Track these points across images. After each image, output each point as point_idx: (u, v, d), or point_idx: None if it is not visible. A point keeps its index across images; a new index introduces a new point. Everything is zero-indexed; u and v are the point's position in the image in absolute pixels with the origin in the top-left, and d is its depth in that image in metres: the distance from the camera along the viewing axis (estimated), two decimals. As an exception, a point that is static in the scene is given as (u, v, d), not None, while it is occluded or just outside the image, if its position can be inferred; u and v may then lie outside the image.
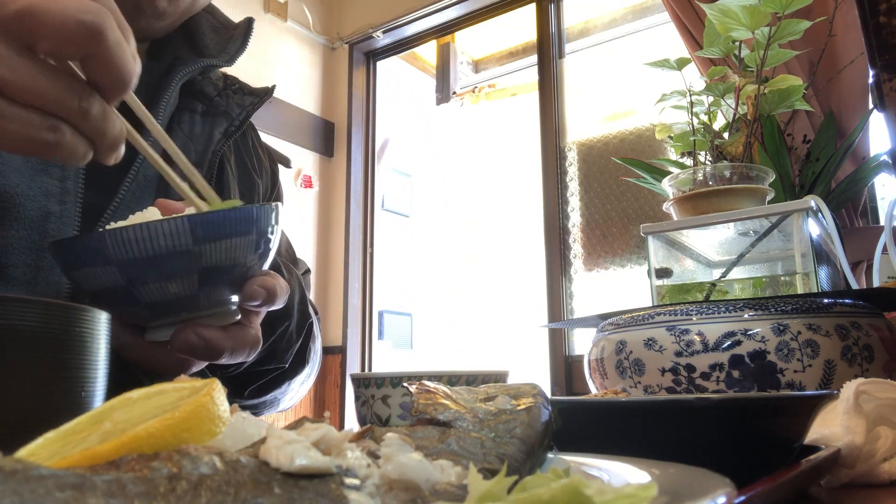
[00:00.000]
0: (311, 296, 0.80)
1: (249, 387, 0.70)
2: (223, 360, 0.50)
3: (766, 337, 0.66)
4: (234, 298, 0.50)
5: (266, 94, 0.80)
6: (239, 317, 0.52)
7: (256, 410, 0.76)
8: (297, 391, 0.79)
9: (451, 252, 6.87)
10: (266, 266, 0.52)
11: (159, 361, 0.50)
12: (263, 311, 0.54)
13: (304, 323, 0.72)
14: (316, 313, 0.79)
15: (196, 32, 0.79)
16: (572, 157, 2.73)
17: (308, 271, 0.88)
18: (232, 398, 0.71)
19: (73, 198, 0.61)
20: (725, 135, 1.08)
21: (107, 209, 0.62)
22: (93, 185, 0.63)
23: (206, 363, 0.53)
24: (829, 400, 0.41)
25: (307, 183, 3.24)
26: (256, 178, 0.82)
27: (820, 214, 0.86)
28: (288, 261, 0.85)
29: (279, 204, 0.50)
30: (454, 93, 4.25)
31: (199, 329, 0.48)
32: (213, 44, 0.78)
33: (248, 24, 0.81)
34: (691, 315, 0.70)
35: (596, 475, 0.29)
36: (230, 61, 0.78)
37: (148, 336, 0.49)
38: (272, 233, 0.49)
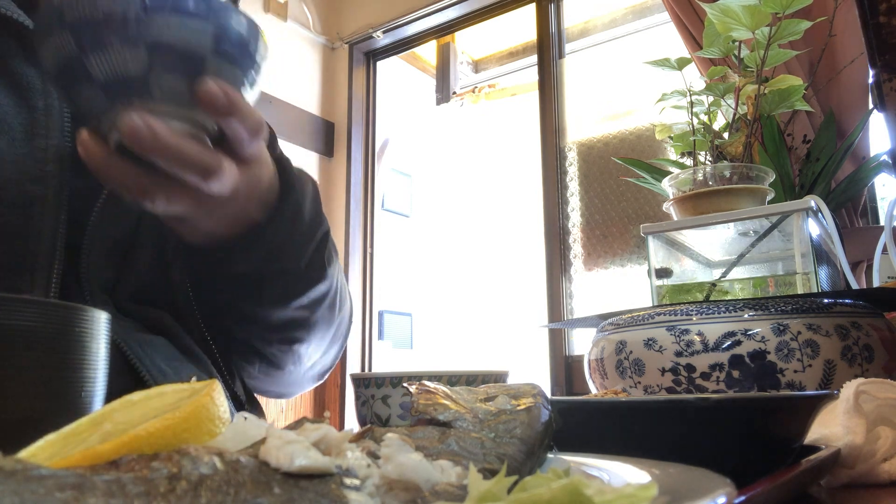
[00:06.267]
0: None
1: (267, 290, 0.66)
2: (170, 168, 0.47)
3: (766, 337, 0.66)
4: (207, 122, 0.49)
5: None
6: (206, 139, 0.50)
7: (284, 340, 0.70)
8: (324, 332, 0.73)
9: (451, 252, 6.87)
10: (247, 95, 0.49)
11: (119, 172, 0.48)
12: (238, 141, 0.50)
13: (317, 221, 0.66)
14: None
15: None
16: (572, 157, 2.73)
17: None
18: (256, 308, 0.67)
19: (58, 181, 0.58)
20: (725, 135, 1.08)
21: (99, 194, 0.61)
22: (80, 169, 0.61)
23: (163, 190, 0.49)
24: (829, 400, 0.41)
25: (307, 183, 3.23)
26: None
27: (820, 214, 0.86)
28: None
29: (259, 27, 0.49)
30: (454, 93, 4.25)
31: (146, 115, 0.45)
32: None
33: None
34: (691, 315, 0.70)
35: (596, 475, 0.29)
36: None
37: (111, 142, 0.48)
38: (240, 40, 0.47)
